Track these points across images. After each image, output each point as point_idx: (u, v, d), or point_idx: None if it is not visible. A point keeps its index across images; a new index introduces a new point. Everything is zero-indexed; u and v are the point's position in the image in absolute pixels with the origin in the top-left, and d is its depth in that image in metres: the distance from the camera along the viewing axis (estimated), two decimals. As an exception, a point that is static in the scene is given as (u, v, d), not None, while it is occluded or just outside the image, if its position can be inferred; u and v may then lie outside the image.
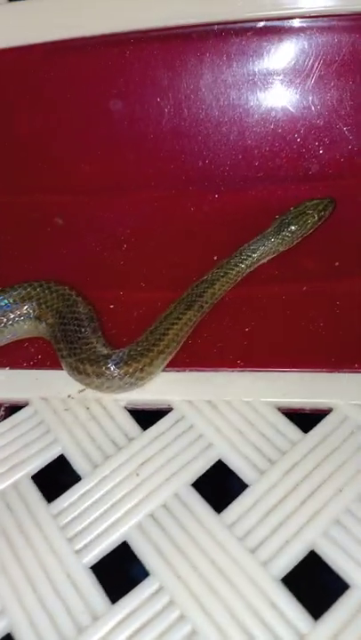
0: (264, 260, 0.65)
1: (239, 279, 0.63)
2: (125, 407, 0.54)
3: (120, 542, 0.45)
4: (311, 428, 0.49)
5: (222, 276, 0.62)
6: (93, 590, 0.42)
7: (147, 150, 0.74)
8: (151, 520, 0.45)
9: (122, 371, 0.53)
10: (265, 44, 0.67)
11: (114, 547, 0.45)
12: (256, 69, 0.70)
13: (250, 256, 0.63)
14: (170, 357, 0.56)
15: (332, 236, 0.66)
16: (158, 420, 0.52)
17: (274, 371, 0.54)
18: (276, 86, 0.71)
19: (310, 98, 0.70)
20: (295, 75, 0.70)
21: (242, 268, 0.63)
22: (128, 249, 0.70)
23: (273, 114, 0.71)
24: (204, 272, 0.62)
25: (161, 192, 0.74)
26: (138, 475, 0.48)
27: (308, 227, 0.65)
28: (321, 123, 0.69)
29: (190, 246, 0.69)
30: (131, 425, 0.52)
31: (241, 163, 0.72)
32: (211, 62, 0.69)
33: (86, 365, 0.54)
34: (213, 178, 0.73)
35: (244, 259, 0.63)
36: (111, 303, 0.63)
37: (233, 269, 0.62)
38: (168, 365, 0.56)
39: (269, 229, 0.65)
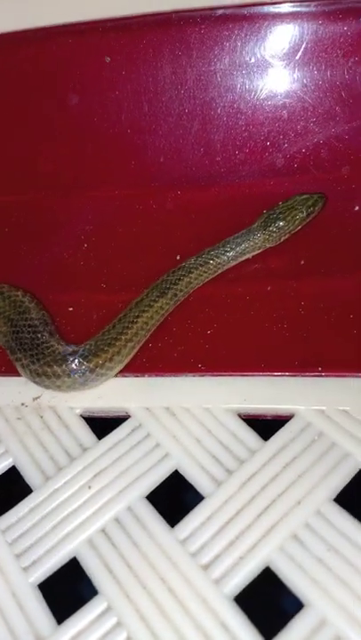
0: (248, 256, 0.63)
1: (218, 272, 0.61)
2: (81, 415, 0.52)
3: (69, 559, 0.43)
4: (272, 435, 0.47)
5: (201, 266, 0.60)
6: (39, 610, 0.40)
7: (106, 146, 0.72)
8: (102, 535, 0.43)
9: (92, 364, 0.51)
10: (225, 33, 0.64)
11: (62, 563, 0.43)
12: (216, 60, 0.67)
13: (233, 249, 0.61)
14: (139, 346, 0.54)
15: (297, 232, 0.64)
16: (115, 427, 0.50)
17: (236, 375, 0.52)
18: (238, 77, 0.68)
19: (273, 89, 0.67)
20: (257, 65, 0.67)
21: (223, 260, 0.61)
22: (88, 249, 0.68)
23: (235, 106, 0.68)
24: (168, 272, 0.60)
25: (122, 189, 0.72)
26: (90, 487, 0.46)
27: (297, 223, 0.62)
28: (285, 115, 0.66)
29: (153, 246, 0.67)
30: (86, 434, 0.50)
31: (204, 158, 0.69)
32: (170, 53, 0.66)
33: (54, 367, 0.51)
34: (175, 174, 0.71)
35: (226, 250, 0.61)
36: (70, 305, 0.61)
37: (213, 260, 0.60)
38: (126, 370, 0.54)
39: (255, 224, 0.63)
